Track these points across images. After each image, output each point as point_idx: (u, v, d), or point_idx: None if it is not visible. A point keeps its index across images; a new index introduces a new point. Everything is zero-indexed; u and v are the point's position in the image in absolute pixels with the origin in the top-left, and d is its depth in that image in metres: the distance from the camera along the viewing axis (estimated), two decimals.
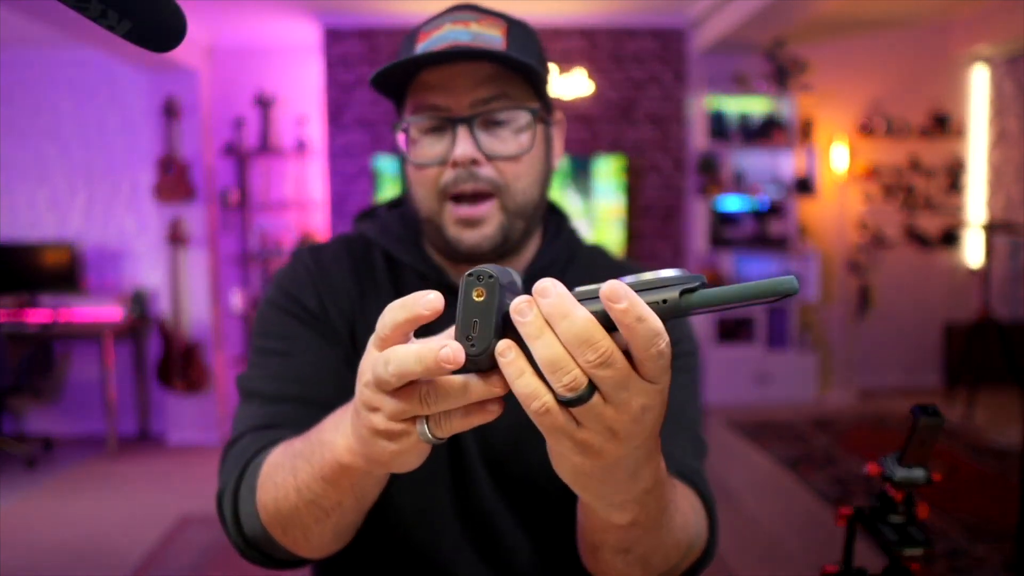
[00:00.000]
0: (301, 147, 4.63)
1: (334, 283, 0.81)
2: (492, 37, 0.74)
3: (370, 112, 4.62)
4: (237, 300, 4.65)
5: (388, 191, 4.48)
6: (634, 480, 0.46)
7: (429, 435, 0.45)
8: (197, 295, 4.73)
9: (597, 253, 0.90)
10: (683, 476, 0.71)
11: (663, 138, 4.74)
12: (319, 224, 4.78)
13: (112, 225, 4.89)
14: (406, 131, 0.78)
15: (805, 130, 4.69)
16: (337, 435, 0.54)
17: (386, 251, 0.83)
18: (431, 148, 0.75)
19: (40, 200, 4.87)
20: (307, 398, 0.75)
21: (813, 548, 2.93)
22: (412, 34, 0.78)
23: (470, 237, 0.75)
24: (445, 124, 0.74)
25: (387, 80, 0.75)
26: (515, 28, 0.77)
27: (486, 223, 0.75)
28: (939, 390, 4.87)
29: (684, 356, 0.81)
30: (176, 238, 4.61)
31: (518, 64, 0.72)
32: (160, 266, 4.73)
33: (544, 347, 0.38)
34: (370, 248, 0.85)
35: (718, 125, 4.64)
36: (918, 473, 0.77)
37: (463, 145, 0.72)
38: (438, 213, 0.76)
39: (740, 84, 4.71)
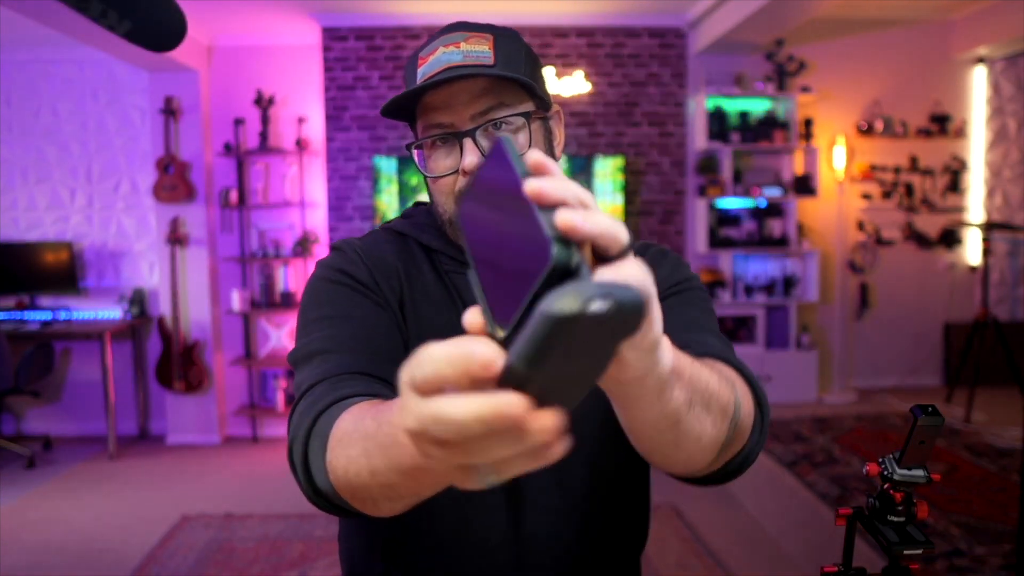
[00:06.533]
0: (301, 147, 4.63)
1: (381, 262, 0.90)
2: (481, 53, 0.82)
3: (369, 112, 4.63)
4: (237, 300, 4.65)
5: (387, 191, 4.48)
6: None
7: (491, 481, 0.40)
8: (197, 295, 4.73)
9: None
10: (717, 357, 0.78)
11: (662, 138, 4.74)
12: (319, 224, 4.78)
13: (112, 225, 4.89)
14: (420, 148, 0.88)
15: (805, 130, 4.69)
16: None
17: (418, 240, 0.93)
18: (444, 160, 0.85)
19: (40, 200, 4.87)
20: (365, 349, 0.79)
21: (813, 548, 2.93)
22: (413, 58, 0.87)
23: None
24: (451, 139, 0.84)
25: (396, 109, 0.85)
26: (501, 39, 0.85)
27: None
28: (938, 390, 4.86)
29: (686, 291, 0.91)
30: (176, 238, 4.61)
31: (505, 77, 0.81)
32: (160, 266, 4.73)
33: None
34: (405, 237, 0.94)
35: (718, 125, 4.64)
36: (918, 473, 0.77)
37: (470, 155, 0.82)
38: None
39: (740, 84, 4.71)
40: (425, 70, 0.83)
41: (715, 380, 0.66)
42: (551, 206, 0.39)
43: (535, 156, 0.40)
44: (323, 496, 0.68)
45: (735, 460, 0.75)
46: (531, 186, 0.38)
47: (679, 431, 0.60)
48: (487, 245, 0.43)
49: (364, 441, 0.58)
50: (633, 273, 0.40)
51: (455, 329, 0.87)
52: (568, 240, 0.38)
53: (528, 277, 0.38)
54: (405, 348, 0.83)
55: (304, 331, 0.83)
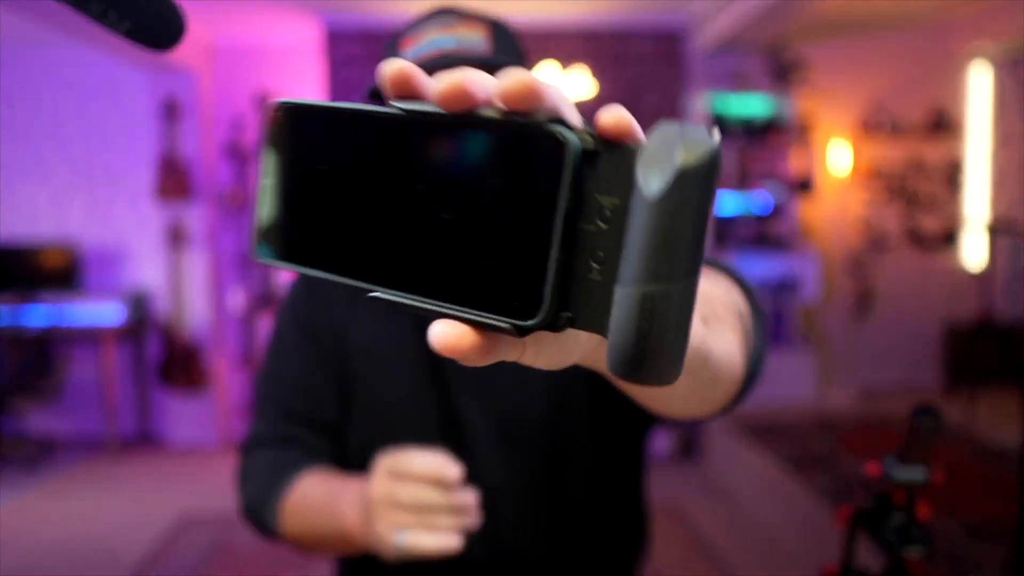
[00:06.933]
0: None
1: (328, 291, 0.90)
2: (475, 41, 0.76)
3: None
4: (237, 300, 4.65)
5: None
6: None
7: (399, 546, 0.65)
8: (197, 295, 4.73)
9: None
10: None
11: None
12: None
13: (112, 225, 4.89)
14: None
15: (806, 130, 4.69)
16: (356, 513, 0.72)
17: None
18: None
19: (40, 200, 4.87)
20: (304, 398, 0.89)
21: (813, 548, 2.93)
22: (393, 40, 0.80)
23: None
24: None
25: (377, 92, 0.78)
26: (496, 29, 0.80)
27: None
28: (939, 390, 4.86)
29: None
30: (176, 238, 4.61)
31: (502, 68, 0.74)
32: (160, 266, 4.73)
33: None
34: None
35: (718, 125, 4.64)
36: (918, 473, 0.77)
37: None
38: None
39: (741, 84, 4.71)
40: (414, 52, 0.75)
41: (704, 282, 0.53)
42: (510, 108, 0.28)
43: (454, 77, 0.29)
44: (274, 536, 0.86)
45: (751, 360, 0.61)
46: (505, 86, 0.27)
47: (711, 363, 0.51)
48: (382, 248, 0.30)
49: (316, 515, 0.77)
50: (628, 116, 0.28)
51: (403, 349, 0.89)
52: (560, 120, 0.27)
53: (517, 210, 0.26)
54: (345, 378, 0.88)
55: (267, 360, 0.92)
